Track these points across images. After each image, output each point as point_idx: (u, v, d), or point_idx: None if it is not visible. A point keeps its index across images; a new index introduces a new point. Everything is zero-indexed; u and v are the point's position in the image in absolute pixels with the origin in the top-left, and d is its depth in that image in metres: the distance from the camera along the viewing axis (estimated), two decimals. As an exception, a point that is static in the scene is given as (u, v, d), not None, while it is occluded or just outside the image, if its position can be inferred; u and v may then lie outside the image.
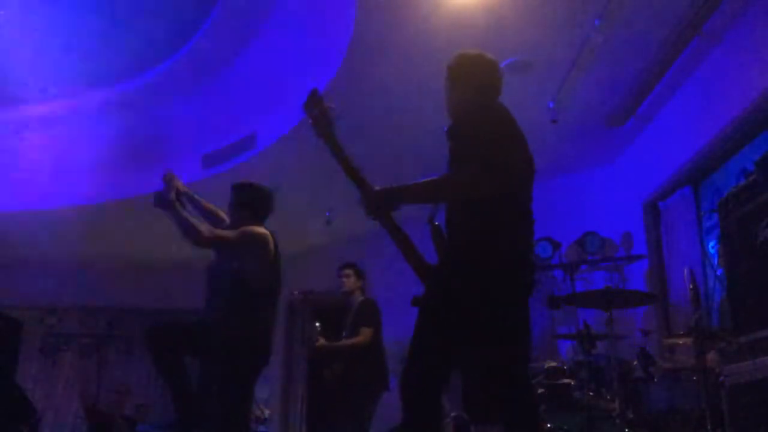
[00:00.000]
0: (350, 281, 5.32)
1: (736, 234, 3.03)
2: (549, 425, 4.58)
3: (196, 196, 4.00)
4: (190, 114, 6.54)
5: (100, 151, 6.64)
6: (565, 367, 4.80)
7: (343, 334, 5.26)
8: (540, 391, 4.88)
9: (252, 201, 3.89)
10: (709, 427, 3.46)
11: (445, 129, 2.63)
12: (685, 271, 3.90)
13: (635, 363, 4.37)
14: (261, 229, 3.75)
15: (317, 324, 5.40)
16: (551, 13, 4.55)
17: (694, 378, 3.83)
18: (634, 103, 5.51)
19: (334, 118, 2.62)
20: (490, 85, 2.71)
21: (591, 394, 4.38)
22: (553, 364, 5.08)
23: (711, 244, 5.06)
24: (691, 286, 3.78)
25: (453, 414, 6.03)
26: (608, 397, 4.34)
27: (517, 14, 4.56)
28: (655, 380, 4.24)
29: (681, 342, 4.45)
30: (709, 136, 4.93)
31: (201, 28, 5.52)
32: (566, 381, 4.66)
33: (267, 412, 7.96)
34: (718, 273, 4.25)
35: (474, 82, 2.72)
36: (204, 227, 3.56)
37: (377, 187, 2.49)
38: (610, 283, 5.98)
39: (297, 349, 8.53)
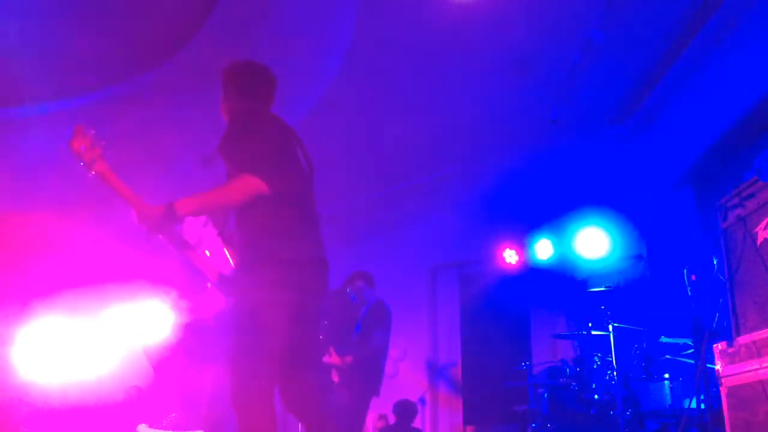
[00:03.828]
0: (363, 293, 5.25)
1: (736, 234, 3.03)
2: (549, 425, 4.59)
3: None
4: (191, 114, 6.53)
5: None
6: (565, 367, 4.80)
7: (354, 333, 5.18)
8: (540, 390, 4.89)
9: None
10: (709, 427, 3.46)
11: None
12: (685, 270, 3.90)
13: (635, 363, 4.37)
14: None
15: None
16: (551, 13, 4.55)
17: (694, 378, 3.82)
18: (635, 102, 5.51)
19: (101, 148, 2.68)
20: (258, 92, 2.87)
21: (591, 394, 4.38)
22: (553, 364, 5.09)
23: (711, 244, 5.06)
24: (691, 287, 3.78)
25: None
26: (608, 397, 4.34)
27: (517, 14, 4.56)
28: (655, 380, 4.24)
29: (681, 342, 4.45)
30: (711, 136, 4.93)
31: (200, 28, 5.51)
32: (566, 381, 4.66)
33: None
34: (718, 273, 4.24)
35: (242, 90, 2.87)
36: None
37: (154, 206, 2.54)
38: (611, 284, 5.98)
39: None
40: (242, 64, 2.93)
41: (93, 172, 2.63)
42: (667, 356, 4.43)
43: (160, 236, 2.60)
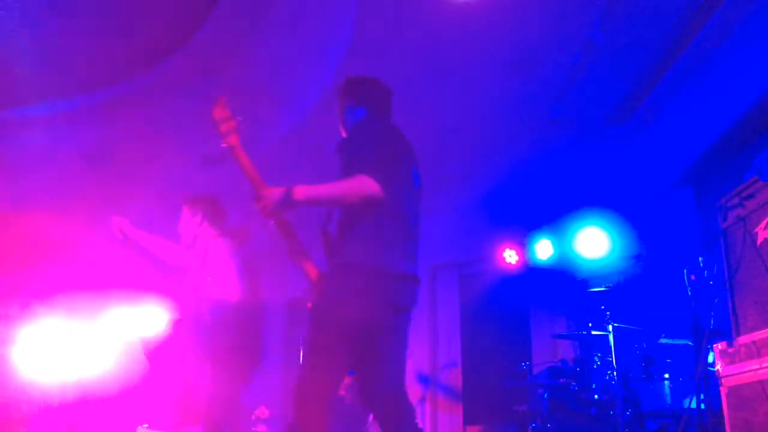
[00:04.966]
0: None
1: (736, 234, 3.03)
2: (549, 425, 4.59)
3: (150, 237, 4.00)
4: (190, 114, 6.53)
5: (100, 153, 6.63)
6: (565, 367, 4.80)
7: None
8: (540, 390, 4.89)
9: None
10: (709, 427, 3.45)
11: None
12: (685, 271, 3.90)
13: (635, 363, 4.37)
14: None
15: None
16: (552, 13, 4.55)
17: (694, 378, 3.82)
18: (635, 102, 5.51)
19: (238, 123, 2.75)
20: (378, 103, 2.97)
21: (591, 394, 4.38)
22: (553, 364, 5.09)
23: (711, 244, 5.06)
24: (691, 287, 3.78)
25: None
26: (608, 397, 4.34)
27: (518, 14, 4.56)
28: (655, 380, 4.24)
29: (681, 342, 4.45)
30: (711, 136, 4.93)
31: (199, 29, 5.51)
32: (566, 381, 4.66)
33: (267, 412, 7.96)
34: (718, 273, 4.26)
35: (363, 101, 2.94)
36: None
37: (273, 188, 2.57)
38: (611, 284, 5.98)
39: (297, 348, 8.54)
40: (359, 77, 3.05)
41: (225, 144, 2.70)
42: (668, 360, 4.43)
43: (272, 220, 2.63)
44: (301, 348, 2.52)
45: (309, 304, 2.64)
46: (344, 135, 2.91)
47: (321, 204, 2.64)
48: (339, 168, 2.69)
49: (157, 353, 3.50)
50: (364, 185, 2.47)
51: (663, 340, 4.86)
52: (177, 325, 3.68)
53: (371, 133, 2.68)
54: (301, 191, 2.49)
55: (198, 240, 3.93)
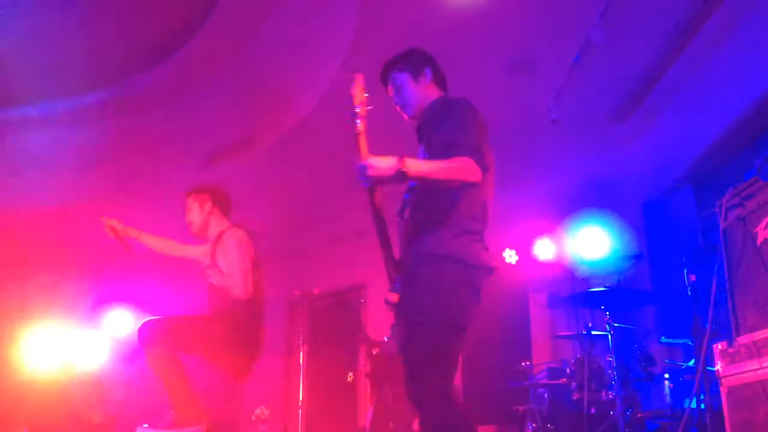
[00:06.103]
0: None
1: (736, 234, 3.03)
2: (549, 425, 4.59)
3: (143, 235, 3.96)
4: (192, 114, 6.53)
5: (100, 152, 6.63)
6: (565, 367, 4.80)
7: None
8: (540, 390, 4.89)
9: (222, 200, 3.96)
10: (709, 427, 3.45)
11: (418, 123, 2.70)
12: (685, 271, 3.89)
13: (635, 363, 4.37)
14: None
15: None
16: (552, 13, 4.56)
17: (694, 378, 3.82)
18: (634, 102, 5.51)
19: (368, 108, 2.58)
20: (444, 79, 2.86)
21: (591, 394, 4.38)
22: (553, 364, 5.09)
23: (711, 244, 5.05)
24: (690, 287, 3.77)
25: None
26: (608, 397, 4.34)
27: (517, 14, 4.56)
28: (655, 380, 4.24)
29: (681, 342, 4.45)
30: (711, 136, 4.93)
31: (199, 30, 5.51)
32: (566, 381, 4.66)
33: (267, 412, 7.97)
34: (717, 273, 4.25)
35: (434, 77, 2.84)
36: None
37: (385, 157, 2.38)
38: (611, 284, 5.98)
39: (297, 348, 8.54)
40: (421, 50, 2.87)
41: (356, 127, 2.50)
42: (666, 361, 4.43)
43: (369, 195, 2.47)
44: (416, 353, 2.41)
45: (392, 298, 2.45)
46: (409, 112, 2.77)
47: (427, 182, 2.42)
48: (424, 148, 2.57)
49: (159, 357, 3.49)
50: (470, 168, 2.32)
51: (663, 340, 4.86)
52: (182, 319, 3.68)
53: (467, 115, 2.54)
54: (413, 164, 2.29)
55: (210, 230, 3.90)
